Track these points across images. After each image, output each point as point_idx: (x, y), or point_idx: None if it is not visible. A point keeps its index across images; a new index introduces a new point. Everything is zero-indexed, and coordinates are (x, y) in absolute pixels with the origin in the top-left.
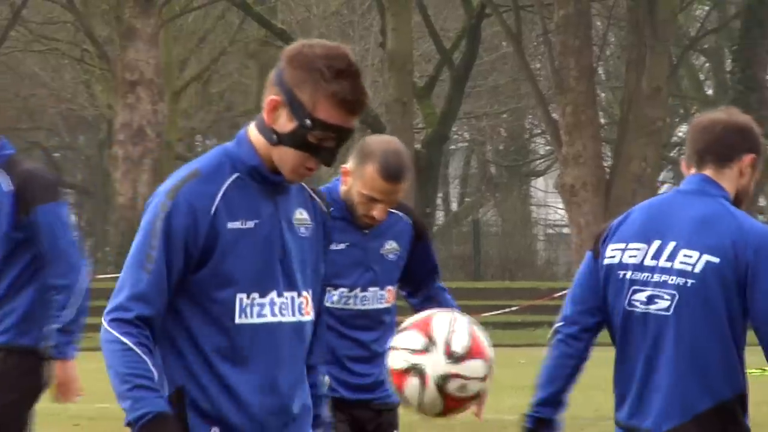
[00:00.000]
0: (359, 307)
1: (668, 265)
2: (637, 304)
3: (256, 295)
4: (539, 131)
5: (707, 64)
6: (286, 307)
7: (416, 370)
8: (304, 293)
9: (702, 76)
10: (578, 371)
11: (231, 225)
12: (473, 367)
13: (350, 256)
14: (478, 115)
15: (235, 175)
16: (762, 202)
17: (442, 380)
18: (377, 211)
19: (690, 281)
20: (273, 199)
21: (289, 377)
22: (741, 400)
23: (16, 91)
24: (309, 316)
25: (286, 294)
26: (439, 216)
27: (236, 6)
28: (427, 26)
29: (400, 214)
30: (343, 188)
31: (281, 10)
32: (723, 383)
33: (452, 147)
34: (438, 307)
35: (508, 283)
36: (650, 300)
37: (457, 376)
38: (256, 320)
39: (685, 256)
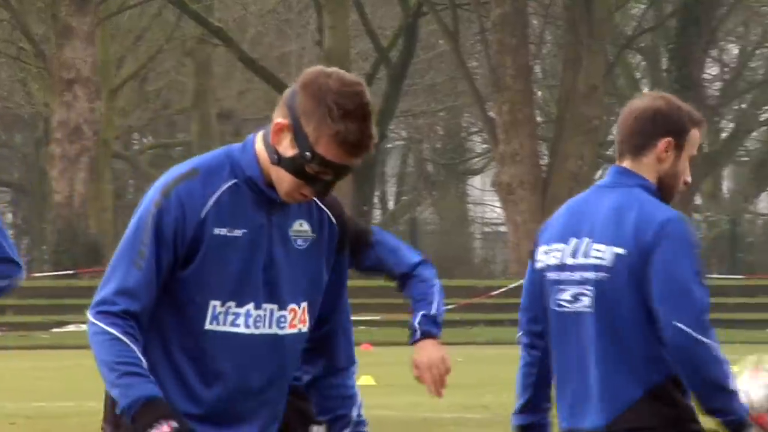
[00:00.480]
0: None
1: (584, 261)
2: (563, 303)
3: (232, 304)
4: (476, 129)
5: (643, 63)
6: (262, 320)
7: None
8: (292, 306)
9: (638, 75)
10: (544, 377)
11: (217, 231)
12: None
13: None
14: (415, 114)
15: (232, 181)
16: (698, 200)
17: None
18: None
19: (604, 275)
20: (268, 210)
21: (257, 391)
22: (674, 380)
23: None
24: (295, 329)
25: (266, 306)
26: (377, 214)
27: (173, 4)
28: (364, 24)
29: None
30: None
31: (218, 8)
32: (650, 370)
33: (389, 145)
34: None
35: (445, 281)
36: (575, 299)
37: None
38: (228, 329)
39: (596, 250)
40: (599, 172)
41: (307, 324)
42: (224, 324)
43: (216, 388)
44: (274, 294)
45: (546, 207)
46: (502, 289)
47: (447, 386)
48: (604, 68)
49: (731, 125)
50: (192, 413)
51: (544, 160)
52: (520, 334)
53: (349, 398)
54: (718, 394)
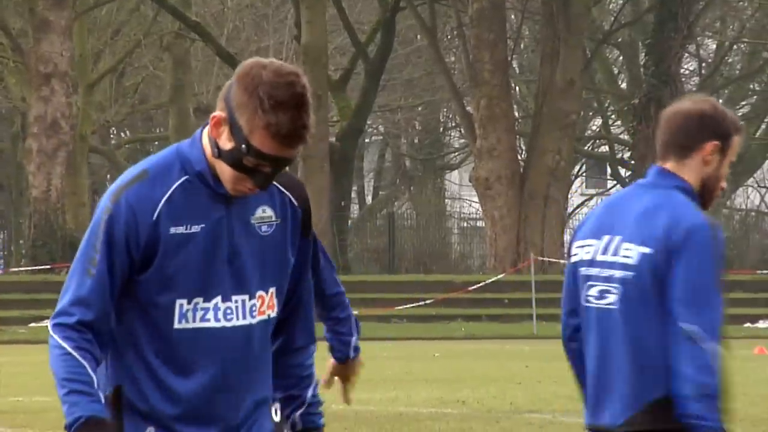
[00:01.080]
0: None
1: (613, 259)
2: (591, 299)
3: (199, 300)
4: (454, 124)
5: (621, 58)
6: (233, 312)
7: None
8: (260, 293)
9: (616, 70)
10: None
11: (174, 230)
12: None
13: None
14: (393, 109)
15: (183, 178)
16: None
17: None
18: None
19: (630, 274)
20: (225, 202)
21: (236, 382)
22: None
23: None
24: (264, 315)
25: (235, 298)
26: (354, 209)
27: None
28: (341, 19)
29: None
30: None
31: (195, 3)
32: (668, 370)
33: (367, 140)
34: None
35: (422, 277)
36: (601, 295)
37: None
38: (198, 325)
39: (625, 249)
40: (576, 167)
41: (276, 309)
42: (194, 321)
43: (193, 385)
44: (242, 285)
45: (523, 202)
46: (480, 284)
47: (425, 380)
48: (581, 63)
49: None
50: (172, 413)
51: (522, 155)
52: (562, 329)
53: (304, 378)
54: (705, 402)
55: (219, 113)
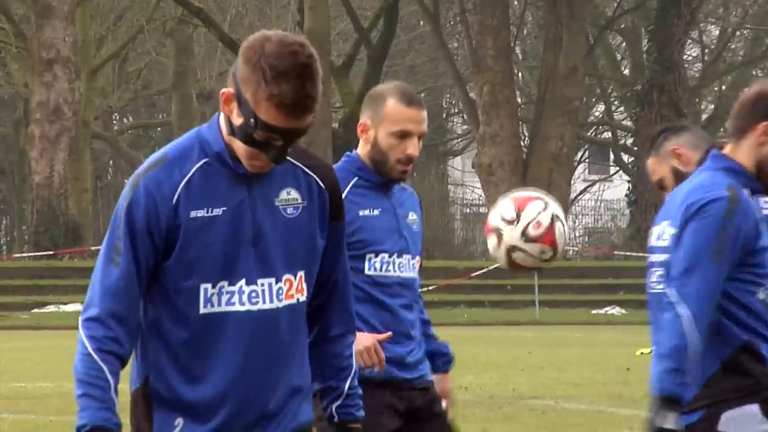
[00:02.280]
0: (398, 273)
1: (659, 243)
2: (651, 284)
3: (224, 283)
4: (456, 110)
5: (624, 44)
6: (259, 295)
7: (497, 233)
8: (287, 276)
9: (618, 56)
10: None
11: (194, 213)
12: (536, 249)
13: (384, 221)
14: None
15: (203, 161)
16: None
17: (511, 249)
18: (412, 148)
19: (666, 256)
20: (247, 183)
21: (264, 367)
22: (746, 349)
23: None
24: (292, 299)
25: (261, 281)
26: None
27: None
28: (344, 5)
29: (410, 190)
30: (365, 148)
31: None
32: (719, 343)
33: None
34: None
35: (425, 263)
36: (657, 280)
37: (522, 250)
38: (223, 309)
39: (666, 232)
40: (579, 153)
41: (305, 293)
42: (219, 305)
43: (220, 371)
44: (268, 267)
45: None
46: (483, 270)
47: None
48: (584, 49)
49: (711, 107)
50: (200, 401)
51: (525, 141)
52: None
53: (343, 369)
54: (661, 366)
55: (228, 89)
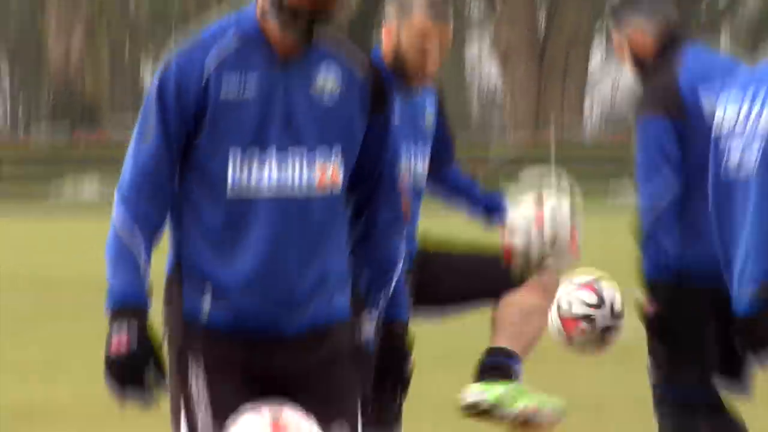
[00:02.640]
0: (413, 181)
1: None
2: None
3: (253, 168)
4: None
5: None
6: (287, 182)
7: (588, 319)
8: (321, 162)
9: None
10: None
11: (225, 93)
12: (623, 324)
13: (401, 128)
14: None
15: (236, 41)
16: None
17: (606, 330)
18: (431, 63)
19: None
20: (282, 68)
21: (293, 255)
22: None
23: None
24: (326, 187)
25: (291, 167)
26: None
27: None
28: None
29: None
30: (387, 50)
31: None
32: None
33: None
34: (459, 193)
35: None
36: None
37: (615, 328)
38: (251, 193)
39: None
40: (596, 38)
41: (340, 179)
42: (247, 187)
43: (247, 257)
44: (299, 153)
45: (543, 72)
46: (498, 157)
47: None
48: None
49: None
50: (225, 283)
51: (542, 25)
52: None
53: (389, 264)
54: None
55: None
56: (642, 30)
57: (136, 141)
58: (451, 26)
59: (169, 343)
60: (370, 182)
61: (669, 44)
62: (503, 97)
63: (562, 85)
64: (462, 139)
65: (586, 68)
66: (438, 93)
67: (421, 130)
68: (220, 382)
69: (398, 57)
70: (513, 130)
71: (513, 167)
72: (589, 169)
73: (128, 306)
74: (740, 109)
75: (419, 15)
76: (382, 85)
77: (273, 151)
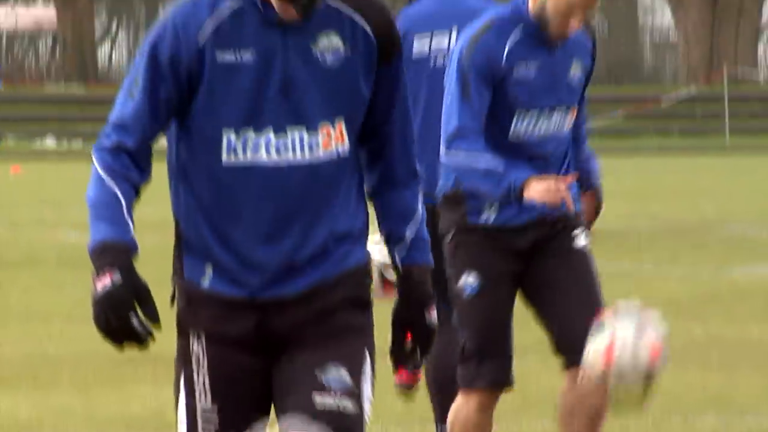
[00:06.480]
0: (545, 131)
1: None
2: None
3: (250, 133)
4: None
5: None
6: (287, 147)
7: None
8: (324, 125)
9: None
10: None
11: (221, 56)
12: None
13: (539, 77)
14: None
15: (237, 3)
16: None
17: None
18: (575, 22)
19: None
20: (281, 29)
21: (297, 223)
22: None
23: None
24: (330, 149)
25: (291, 131)
26: None
27: None
28: None
29: (585, 35)
30: (532, 4)
31: None
32: None
33: None
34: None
35: (613, 88)
36: None
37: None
38: (248, 160)
39: None
40: None
41: (346, 141)
42: (244, 154)
43: (247, 228)
44: (300, 116)
45: (716, 14)
46: (672, 96)
47: (615, 194)
48: None
49: None
50: (225, 254)
51: None
52: None
53: (405, 214)
54: None
55: None
56: None
57: (123, 96)
58: None
59: (176, 316)
60: (379, 136)
61: None
62: (676, 38)
63: (736, 26)
64: (635, 80)
65: (761, 8)
66: (594, 42)
67: (561, 81)
68: (219, 366)
69: (542, 10)
70: (686, 72)
71: (687, 106)
72: (765, 107)
73: (110, 244)
74: None
75: None
76: (390, 35)
77: (272, 118)
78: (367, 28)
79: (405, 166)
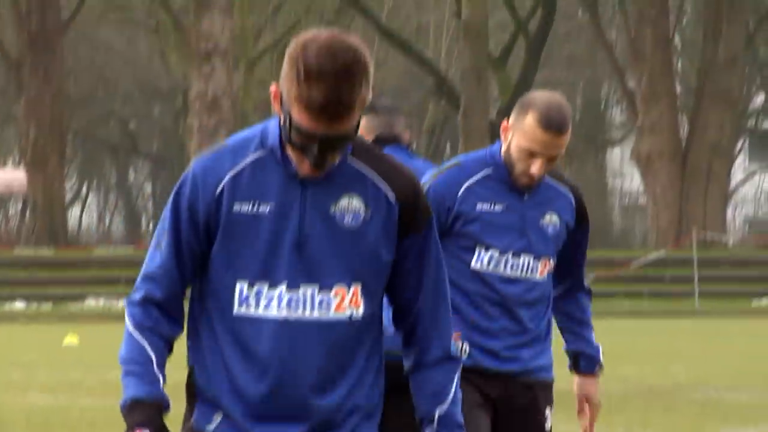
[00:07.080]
0: (510, 273)
1: None
2: None
3: (264, 286)
4: (615, 101)
5: None
6: (299, 304)
7: None
8: (338, 287)
9: None
10: None
11: (238, 207)
12: None
13: (506, 219)
14: (554, 85)
15: (257, 154)
16: None
17: None
18: (536, 167)
19: None
20: (302, 185)
21: (306, 383)
22: None
23: (91, 60)
24: (344, 312)
25: (304, 287)
26: None
27: None
28: None
29: (565, 190)
30: (503, 147)
31: None
32: None
33: None
34: (570, 318)
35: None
36: None
37: None
38: (260, 313)
39: None
40: (739, 143)
41: (362, 307)
42: (256, 308)
43: (257, 380)
44: (313, 272)
45: (685, 178)
46: (641, 260)
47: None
48: (744, 39)
49: None
50: (235, 405)
51: (684, 131)
52: None
53: (435, 394)
54: None
55: (274, 86)
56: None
57: (153, 246)
58: (566, 137)
59: None
60: (410, 315)
61: None
62: (645, 202)
63: (704, 190)
64: (605, 243)
65: (729, 174)
66: (578, 204)
67: (534, 225)
68: None
69: (508, 154)
70: (655, 235)
71: (656, 269)
72: (733, 272)
73: (140, 401)
74: None
75: (531, 120)
76: (415, 203)
77: (286, 272)
78: (390, 195)
79: (438, 347)
